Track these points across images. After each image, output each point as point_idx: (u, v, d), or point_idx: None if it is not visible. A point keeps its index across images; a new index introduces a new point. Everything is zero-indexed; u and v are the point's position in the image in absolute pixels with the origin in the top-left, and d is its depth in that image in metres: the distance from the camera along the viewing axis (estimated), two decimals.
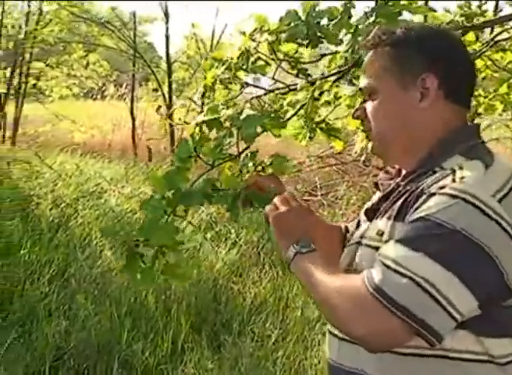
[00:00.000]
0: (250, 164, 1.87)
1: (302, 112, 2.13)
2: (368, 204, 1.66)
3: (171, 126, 11.33)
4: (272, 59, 3.03)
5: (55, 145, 10.68)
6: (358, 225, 1.75)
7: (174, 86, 12.48)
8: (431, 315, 1.15)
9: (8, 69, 12.16)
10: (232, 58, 2.97)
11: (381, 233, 1.32)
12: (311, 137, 2.78)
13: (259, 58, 2.93)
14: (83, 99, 17.44)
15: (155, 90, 14.34)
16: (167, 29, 12.03)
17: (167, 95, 11.94)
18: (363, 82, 1.48)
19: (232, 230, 5.97)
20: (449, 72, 1.37)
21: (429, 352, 1.24)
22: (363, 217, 1.53)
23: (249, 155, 1.89)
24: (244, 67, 2.89)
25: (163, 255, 1.81)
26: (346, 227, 1.84)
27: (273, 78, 3.04)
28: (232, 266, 5.32)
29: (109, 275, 5.08)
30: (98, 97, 16.75)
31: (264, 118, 1.89)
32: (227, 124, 1.94)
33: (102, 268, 5.17)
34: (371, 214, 1.44)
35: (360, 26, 2.02)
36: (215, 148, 1.92)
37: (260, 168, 1.86)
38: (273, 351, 4.11)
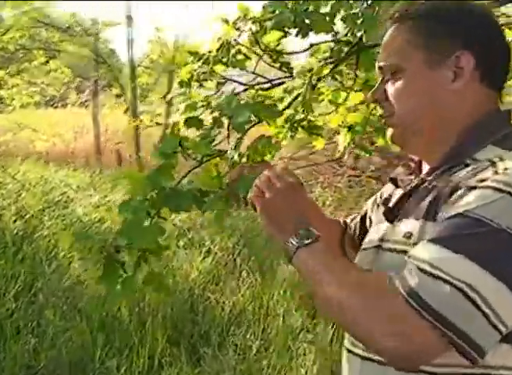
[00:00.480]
0: (236, 156, 1.69)
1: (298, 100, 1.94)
2: (378, 200, 1.50)
3: (136, 131, 11.23)
4: (254, 52, 2.86)
5: (16, 155, 10.39)
6: (363, 224, 1.60)
7: (138, 91, 12.22)
8: (473, 326, 0.98)
9: None
10: (210, 52, 2.79)
11: (408, 236, 1.16)
12: (292, 136, 2.61)
13: (239, 51, 2.75)
14: (44, 107, 17.18)
15: (119, 96, 14.13)
16: (130, 32, 11.81)
17: (131, 101, 11.70)
18: (383, 59, 1.30)
19: (206, 237, 5.75)
20: (486, 51, 1.21)
21: (469, 371, 1.06)
22: (377, 218, 1.39)
23: (233, 146, 1.71)
24: (224, 60, 2.72)
25: (146, 261, 1.63)
26: (346, 223, 1.68)
27: (253, 72, 2.87)
28: (207, 274, 5.11)
29: (79, 288, 4.84)
30: (59, 105, 16.48)
31: (257, 105, 1.71)
32: (215, 114, 1.76)
33: (71, 281, 4.93)
34: (391, 214, 1.28)
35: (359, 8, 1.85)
36: (201, 141, 1.73)
37: (245, 159, 1.68)
38: (256, 363, 3.92)
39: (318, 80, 2.09)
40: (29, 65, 12.92)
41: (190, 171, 1.75)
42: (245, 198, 1.49)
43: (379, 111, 1.34)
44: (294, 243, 1.22)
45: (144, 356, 3.99)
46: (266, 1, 2.25)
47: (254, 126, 1.72)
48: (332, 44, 2.65)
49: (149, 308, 4.49)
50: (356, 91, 3.16)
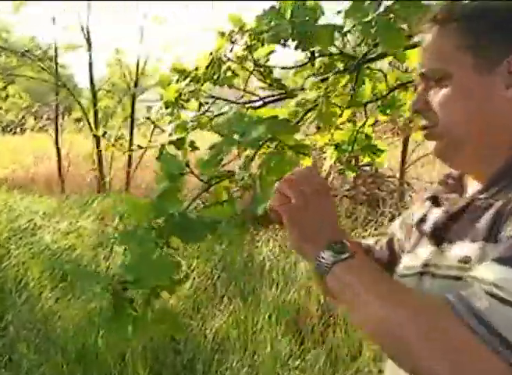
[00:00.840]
0: (245, 177, 1.53)
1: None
2: (409, 221, 1.36)
3: (99, 155, 11.00)
4: (245, 69, 2.72)
5: None
6: (391, 249, 1.46)
7: (100, 115, 11.97)
8: None
9: None
10: (197, 69, 2.64)
11: (466, 260, 1.03)
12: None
13: (229, 68, 2.61)
14: (1, 134, 16.87)
15: (79, 120, 13.87)
16: (90, 56, 11.58)
17: (93, 125, 11.46)
18: (427, 65, 1.16)
19: (183, 262, 5.54)
20: None
21: None
22: (414, 241, 1.27)
23: (242, 165, 1.56)
24: (216, 77, 2.57)
25: (157, 298, 1.45)
26: (369, 247, 1.54)
27: (245, 90, 2.73)
28: (187, 300, 4.90)
29: (52, 319, 4.59)
30: (18, 130, 16.20)
31: (272, 120, 1.55)
32: (224, 131, 1.59)
33: (43, 312, 4.68)
34: (437, 237, 1.15)
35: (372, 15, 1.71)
36: (210, 161, 1.57)
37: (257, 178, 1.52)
38: None
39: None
40: None
41: (198, 194, 1.59)
42: (263, 217, 1.34)
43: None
44: (329, 257, 1.06)
45: None
46: (262, 11, 2.11)
47: (266, 142, 1.56)
48: (325, 59, 2.52)
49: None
50: (347, 108, 3.04)
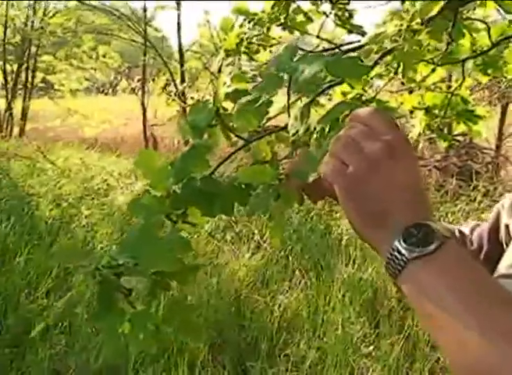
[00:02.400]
0: (301, 130, 1.15)
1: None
2: None
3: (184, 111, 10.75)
4: (318, 11, 2.29)
5: (65, 141, 10.04)
6: (495, 239, 1.08)
7: (187, 76, 11.70)
8: None
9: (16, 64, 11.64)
10: (263, 12, 2.23)
11: None
12: None
13: (299, 9, 2.19)
14: (94, 94, 17.05)
15: (166, 86, 13.69)
16: (179, 16, 11.28)
17: (180, 86, 11.21)
18: None
19: (256, 231, 5.15)
20: None
21: None
22: None
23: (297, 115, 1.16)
24: (282, 20, 2.16)
25: (166, 290, 1.09)
26: (461, 232, 1.11)
27: (318, 36, 2.29)
28: (256, 273, 4.52)
29: None
30: (110, 91, 16.32)
31: (334, 58, 1.12)
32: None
33: None
34: None
35: None
36: (249, 109, 1.17)
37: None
38: None
39: (422, 24, 1.47)
40: (77, 50, 12.58)
41: (231, 154, 1.20)
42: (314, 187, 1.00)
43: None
44: (405, 249, 0.70)
45: (183, 366, 3.45)
46: None
47: (328, 88, 1.14)
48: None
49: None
50: (440, 65, 2.58)
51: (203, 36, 12.50)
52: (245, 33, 2.17)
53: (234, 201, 1.11)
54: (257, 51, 2.34)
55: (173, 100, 10.86)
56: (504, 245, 1.05)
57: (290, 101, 1.19)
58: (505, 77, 3.18)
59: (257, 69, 2.13)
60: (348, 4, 2.17)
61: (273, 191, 1.06)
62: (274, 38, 2.29)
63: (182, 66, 11.13)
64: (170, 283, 1.08)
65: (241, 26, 2.30)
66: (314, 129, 1.10)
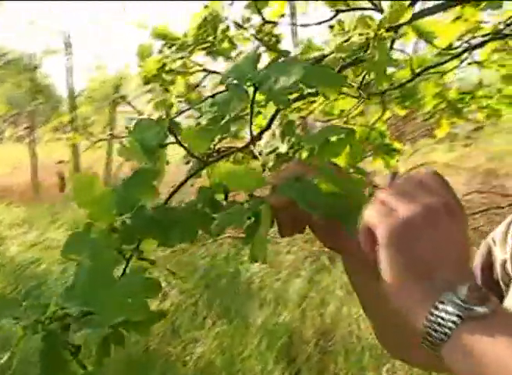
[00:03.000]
0: (284, 149, 0.99)
1: None
2: None
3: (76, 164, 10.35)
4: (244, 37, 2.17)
5: None
6: (489, 277, 0.98)
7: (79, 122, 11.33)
8: None
9: None
10: (185, 36, 2.08)
11: None
12: None
13: (225, 33, 2.05)
14: None
15: (57, 129, 13.25)
16: (68, 60, 10.97)
17: (72, 131, 10.82)
18: None
19: (161, 278, 4.89)
20: None
21: None
22: None
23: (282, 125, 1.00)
24: (209, 41, 2.02)
25: (119, 343, 0.88)
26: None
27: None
28: (164, 322, 4.25)
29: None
30: None
31: (308, 68, 0.97)
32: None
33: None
34: None
35: None
36: (209, 126, 1.00)
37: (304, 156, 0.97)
38: None
39: (387, 30, 1.35)
40: None
41: (188, 177, 1.01)
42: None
43: None
44: (455, 309, 0.59)
45: None
46: None
47: (299, 99, 0.98)
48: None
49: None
50: (357, 98, 2.54)
51: (94, 81, 12.21)
52: (167, 57, 2.00)
53: (195, 227, 0.92)
54: (172, 82, 2.18)
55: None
56: (501, 283, 0.95)
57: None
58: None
59: (183, 96, 1.96)
60: (276, 25, 2.05)
61: (248, 209, 0.88)
62: (198, 64, 2.13)
63: (73, 111, 10.77)
64: (124, 335, 0.88)
65: (161, 51, 2.14)
66: (299, 148, 0.94)
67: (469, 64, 3.03)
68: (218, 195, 0.95)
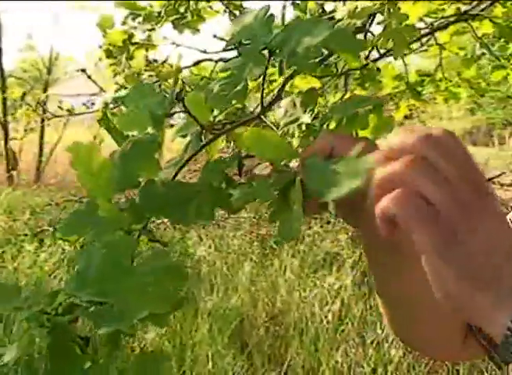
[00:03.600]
0: (306, 118, 0.91)
1: None
2: None
3: (6, 146, 9.99)
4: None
5: None
6: None
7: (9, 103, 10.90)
8: None
9: None
10: (151, 6, 1.95)
11: None
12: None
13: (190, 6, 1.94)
14: None
15: None
16: None
17: (1, 113, 10.42)
18: None
19: None
20: None
21: None
22: None
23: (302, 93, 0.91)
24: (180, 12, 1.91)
25: (132, 335, 0.79)
26: None
27: (215, 36, 2.05)
28: None
29: None
30: None
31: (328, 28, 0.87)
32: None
33: None
34: None
35: None
36: (224, 90, 0.90)
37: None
38: None
39: None
40: None
41: (200, 149, 0.91)
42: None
43: None
44: None
45: None
46: None
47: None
48: None
49: None
50: (318, 78, 2.47)
51: (25, 61, 11.77)
52: (135, 28, 1.87)
53: (213, 204, 0.82)
54: (131, 58, 2.05)
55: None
56: None
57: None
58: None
59: (153, 69, 1.84)
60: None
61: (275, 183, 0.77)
62: (164, 37, 2.02)
63: (4, 92, 10.34)
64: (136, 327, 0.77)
65: (124, 23, 2.00)
66: (326, 118, 0.85)
67: (430, 46, 2.99)
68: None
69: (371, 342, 3.56)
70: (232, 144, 1.07)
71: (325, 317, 3.80)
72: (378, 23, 1.26)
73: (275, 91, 0.98)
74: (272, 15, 0.93)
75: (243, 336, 3.78)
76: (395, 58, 1.76)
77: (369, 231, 0.74)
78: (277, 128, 0.91)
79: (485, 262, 0.51)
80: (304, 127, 0.88)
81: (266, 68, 0.86)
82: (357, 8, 1.09)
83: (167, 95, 0.92)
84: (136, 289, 0.68)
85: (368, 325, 3.76)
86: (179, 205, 0.81)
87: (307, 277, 4.38)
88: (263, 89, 0.96)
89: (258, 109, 1.02)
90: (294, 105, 0.91)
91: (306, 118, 0.90)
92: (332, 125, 0.86)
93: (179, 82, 0.97)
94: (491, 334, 0.51)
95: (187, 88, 1.87)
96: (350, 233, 5.06)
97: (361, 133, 0.85)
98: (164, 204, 0.82)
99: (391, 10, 1.10)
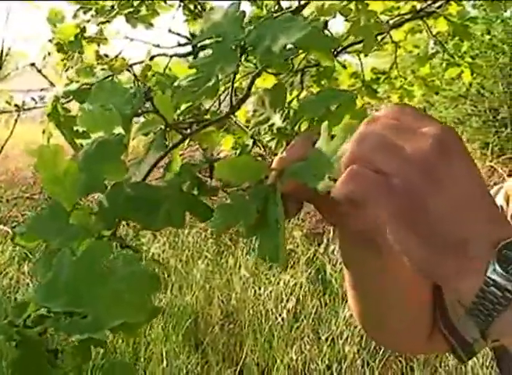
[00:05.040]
0: (277, 119, 0.89)
1: None
2: None
3: None
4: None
5: None
6: None
7: None
8: None
9: None
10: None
11: None
12: None
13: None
14: None
15: None
16: None
17: None
18: None
19: None
20: None
21: None
22: None
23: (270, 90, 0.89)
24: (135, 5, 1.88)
25: (101, 345, 0.76)
26: None
27: (170, 31, 2.01)
28: None
29: None
30: None
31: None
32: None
33: None
34: None
35: None
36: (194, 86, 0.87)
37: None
38: None
39: None
40: None
41: (170, 149, 0.89)
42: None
43: None
44: (504, 281, 0.48)
45: None
46: None
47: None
48: None
49: None
50: (275, 75, 2.45)
51: None
52: (88, 21, 1.83)
53: (183, 209, 0.79)
54: (81, 52, 2.01)
55: None
56: None
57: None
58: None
59: (106, 63, 1.81)
60: None
61: (252, 199, 0.75)
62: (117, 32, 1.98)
63: None
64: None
65: (75, 16, 1.95)
66: (296, 119, 0.83)
67: (385, 44, 3.00)
68: None
69: (326, 339, 3.57)
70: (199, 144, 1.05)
71: (280, 314, 3.80)
72: (346, 20, 1.25)
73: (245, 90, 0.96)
74: (243, 12, 0.91)
75: (197, 334, 3.75)
76: (365, 55, 1.75)
77: (344, 227, 0.74)
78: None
79: (448, 228, 0.49)
80: (275, 130, 0.87)
81: (238, 66, 0.84)
82: (324, 5, 1.07)
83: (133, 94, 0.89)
84: (110, 297, 0.65)
85: (322, 322, 3.77)
86: (148, 210, 0.79)
87: (261, 275, 4.37)
88: (233, 88, 0.94)
89: (223, 109, 1.00)
90: (263, 103, 0.89)
91: (277, 119, 0.88)
92: (305, 125, 0.84)
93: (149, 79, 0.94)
94: (461, 301, 0.51)
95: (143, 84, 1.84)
96: (304, 231, 5.07)
97: (334, 130, 0.84)
98: (133, 208, 0.79)
99: (359, 7, 1.09)
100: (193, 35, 1.99)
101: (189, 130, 0.94)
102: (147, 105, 0.87)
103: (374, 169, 0.51)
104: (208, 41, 0.89)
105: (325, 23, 1.59)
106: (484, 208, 0.51)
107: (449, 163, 0.50)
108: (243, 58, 0.85)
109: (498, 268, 0.47)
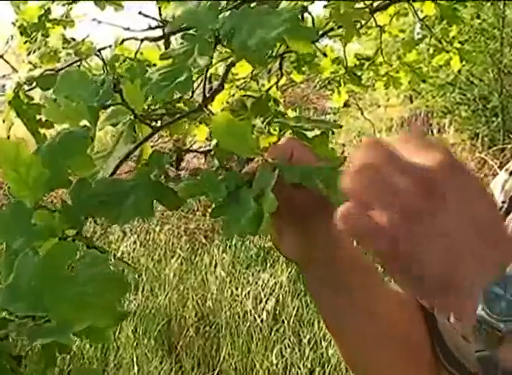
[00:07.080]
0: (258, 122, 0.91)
1: None
2: None
3: None
4: None
5: None
6: None
7: None
8: None
9: None
10: None
11: None
12: None
13: None
14: None
15: None
16: None
17: None
18: None
19: None
20: None
21: None
22: None
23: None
24: None
25: (65, 351, 0.77)
26: None
27: (140, 13, 2.01)
28: None
29: None
30: None
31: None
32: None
33: None
34: None
35: None
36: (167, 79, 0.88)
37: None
38: None
39: None
40: None
41: (139, 144, 0.89)
42: None
43: None
44: (492, 320, 0.50)
45: None
46: None
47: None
48: None
49: None
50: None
51: None
52: (53, 2, 1.83)
53: (151, 199, 0.80)
54: (47, 35, 2.01)
55: None
56: None
57: None
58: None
59: (73, 47, 1.80)
60: None
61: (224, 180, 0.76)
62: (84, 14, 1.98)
63: None
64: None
65: None
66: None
67: (369, 28, 3.02)
68: None
69: (308, 341, 3.60)
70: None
71: (259, 316, 3.83)
72: (325, 7, 1.27)
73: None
74: (218, 2, 0.93)
75: (170, 338, 3.77)
76: (346, 42, 1.77)
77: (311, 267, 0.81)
78: None
79: (439, 269, 0.51)
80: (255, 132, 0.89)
81: (211, 57, 0.85)
82: None
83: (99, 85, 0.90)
84: (75, 300, 0.66)
85: (304, 324, 3.80)
86: (115, 202, 0.79)
87: (239, 274, 4.39)
88: (205, 79, 0.95)
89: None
90: (244, 106, 0.90)
91: (258, 121, 0.90)
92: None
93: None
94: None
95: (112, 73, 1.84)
96: None
97: None
98: (99, 203, 0.80)
99: None
100: (165, 20, 1.99)
101: (160, 122, 0.95)
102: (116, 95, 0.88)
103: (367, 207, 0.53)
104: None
105: (305, 8, 1.60)
106: (475, 238, 0.52)
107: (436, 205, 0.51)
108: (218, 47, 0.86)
109: (485, 309, 0.50)
